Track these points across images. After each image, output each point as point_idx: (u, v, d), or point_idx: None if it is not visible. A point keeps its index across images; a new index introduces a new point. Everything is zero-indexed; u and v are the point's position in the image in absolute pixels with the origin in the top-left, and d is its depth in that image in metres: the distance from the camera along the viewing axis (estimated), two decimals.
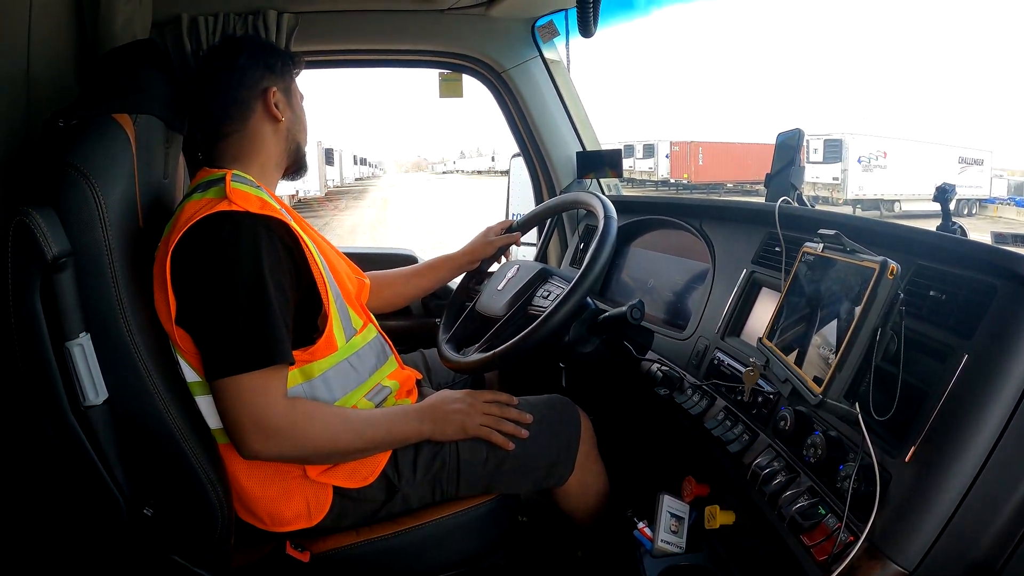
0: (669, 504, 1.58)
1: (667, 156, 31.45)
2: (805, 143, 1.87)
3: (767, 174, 1.86)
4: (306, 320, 1.47)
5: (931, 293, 1.17)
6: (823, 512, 1.18)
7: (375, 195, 37.66)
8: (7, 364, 1.29)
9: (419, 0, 2.44)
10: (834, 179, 25.17)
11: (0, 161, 1.49)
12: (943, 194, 1.45)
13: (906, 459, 1.07)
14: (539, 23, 2.61)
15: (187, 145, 1.81)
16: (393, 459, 1.57)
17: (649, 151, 32.07)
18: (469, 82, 2.83)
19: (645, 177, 32.16)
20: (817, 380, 1.09)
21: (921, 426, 1.07)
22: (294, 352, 1.41)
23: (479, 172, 72.39)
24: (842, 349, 1.05)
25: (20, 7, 1.54)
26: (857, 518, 1.10)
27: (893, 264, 1.03)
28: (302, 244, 1.43)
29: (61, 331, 1.28)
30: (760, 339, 1.35)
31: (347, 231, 19.17)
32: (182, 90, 1.61)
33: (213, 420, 1.44)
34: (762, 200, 1.85)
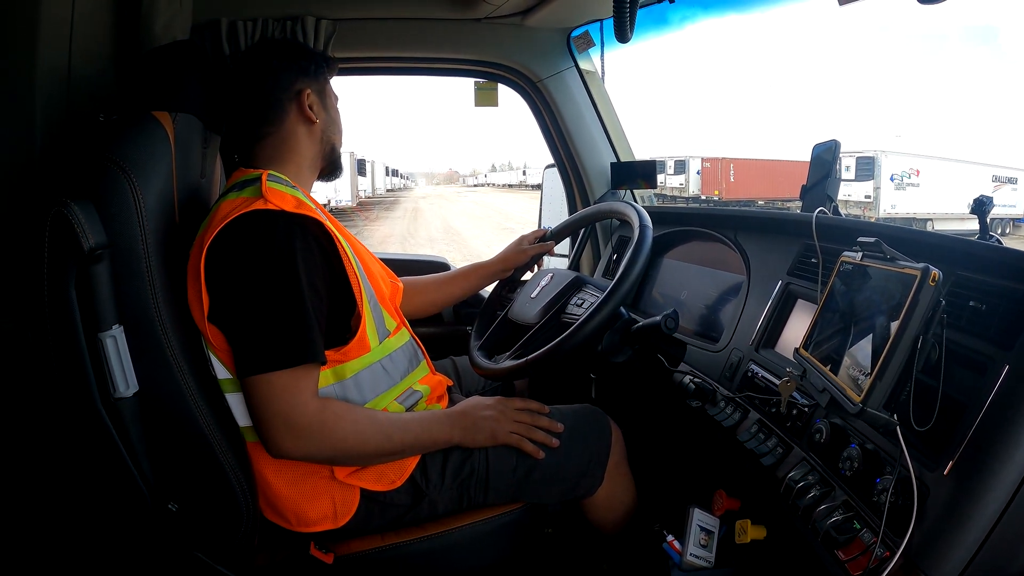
0: (699, 518, 1.56)
1: (698, 172, 31.25)
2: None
3: (803, 186, 1.84)
4: (340, 320, 1.47)
5: (971, 303, 1.15)
6: (858, 527, 1.16)
7: (406, 206, 37.90)
8: (40, 353, 1.31)
9: (456, 9, 2.46)
10: (866, 197, 24.90)
11: (41, 155, 1.52)
12: (980, 206, 1.43)
13: (944, 473, 1.05)
14: (575, 33, 2.62)
15: (224, 147, 1.83)
16: (422, 464, 1.57)
17: (680, 167, 31.88)
18: (503, 93, 2.85)
19: (676, 193, 31.97)
20: (856, 390, 1.08)
21: (960, 439, 1.05)
22: (327, 352, 1.42)
23: (510, 186, 72.59)
24: (883, 357, 1.03)
25: (63, 8, 1.57)
26: (893, 533, 1.08)
27: (935, 271, 1.01)
28: (337, 244, 1.44)
29: (95, 322, 1.29)
30: (797, 349, 1.34)
31: (378, 241, 19.28)
32: (220, 91, 1.63)
33: (242, 418, 1.45)
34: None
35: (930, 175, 25.40)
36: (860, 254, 1.23)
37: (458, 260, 2.41)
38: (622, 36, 1.73)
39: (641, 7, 1.80)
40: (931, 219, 25.17)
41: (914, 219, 24.92)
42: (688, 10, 2.44)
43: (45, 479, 1.52)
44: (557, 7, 2.39)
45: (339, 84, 1.71)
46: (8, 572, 1.58)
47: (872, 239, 1.18)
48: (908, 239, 1.33)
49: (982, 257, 1.20)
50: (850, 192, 24.81)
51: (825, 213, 1.62)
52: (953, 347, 1.11)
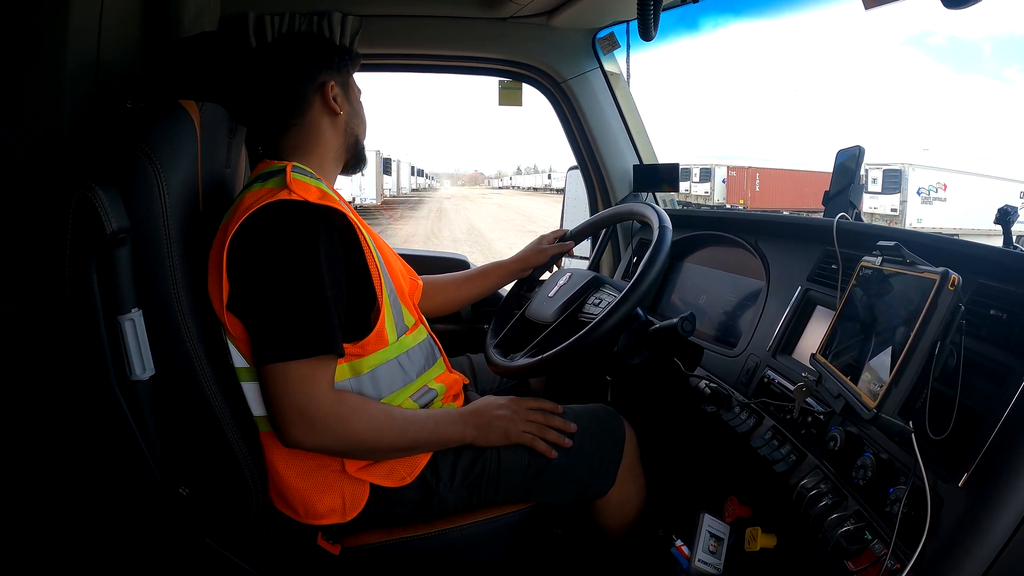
0: (709, 523, 1.55)
1: (723, 181, 31.13)
2: (864, 172, 1.84)
3: (825, 192, 1.82)
4: (359, 313, 1.47)
5: (992, 312, 1.14)
6: (869, 537, 1.15)
7: (431, 206, 37.99)
8: (58, 333, 1.32)
9: (482, 7, 2.47)
10: (892, 210, 24.61)
11: (68, 140, 1.53)
12: (1005, 216, 1.41)
13: (959, 484, 1.03)
14: (600, 35, 2.63)
15: (249, 138, 1.84)
16: (433, 461, 1.56)
17: (706, 175, 31.77)
18: (529, 94, 2.85)
19: (701, 202, 31.84)
20: (872, 396, 1.06)
21: (976, 451, 1.03)
22: (345, 345, 1.42)
23: (534, 189, 72.49)
24: (899, 363, 1.02)
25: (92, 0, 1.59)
26: (905, 544, 1.06)
27: (954, 275, 1.00)
28: (360, 237, 1.44)
29: (114, 305, 1.31)
30: (813, 355, 1.32)
31: (401, 240, 19.31)
32: (245, 83, 1.64)
33: (257, 407, 1.45)
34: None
35: (957, 190, 25.06)
36: (880, 259, 1.21)
37: (480, 261, 2.42)
38: (646, 34, 1.72)
39: (666, 8, 1.79)
40: (957, 234, 24.76)
41: (940, 234, 24.52)
42: (718, 16, 2.43)
43: (56, 460, 1.53)
44: (583, 8, 2.39)
45: (366, 81, 1.71)
46: (18, 552, 1.59)
47: (892, 243, 1.17)
48: (930, 245, 1.31)
49: (1005, 266, 1.18)
50: (876, 205, 24.54)
51: (847, 219, 1.60)
52: (972, 356, 1.10)
